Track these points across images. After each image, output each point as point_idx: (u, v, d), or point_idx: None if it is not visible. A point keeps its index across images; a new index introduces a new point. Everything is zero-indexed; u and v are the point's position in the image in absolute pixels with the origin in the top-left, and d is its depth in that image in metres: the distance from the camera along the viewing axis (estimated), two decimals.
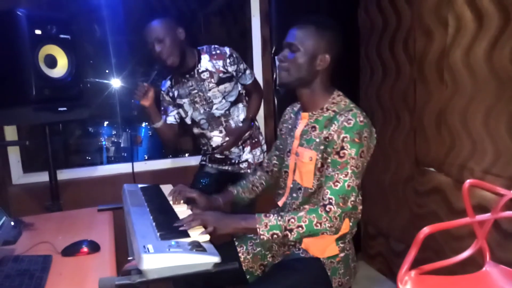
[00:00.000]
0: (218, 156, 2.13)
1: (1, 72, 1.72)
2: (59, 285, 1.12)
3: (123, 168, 2.45)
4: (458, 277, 1.55)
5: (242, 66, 2.01)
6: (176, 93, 2.03)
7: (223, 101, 2.01)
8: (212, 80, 1.96)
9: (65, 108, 1.83)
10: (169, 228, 1.22)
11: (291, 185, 1.44)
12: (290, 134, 1.50)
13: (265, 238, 1.23)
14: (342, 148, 1.26)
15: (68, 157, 3.06)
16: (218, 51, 1.96)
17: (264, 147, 2.20)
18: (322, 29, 1.33)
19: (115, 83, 3.16)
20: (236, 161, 2.13)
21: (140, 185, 1.70)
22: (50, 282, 1.13)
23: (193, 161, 2.58)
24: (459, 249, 1.65)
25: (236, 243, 1.51)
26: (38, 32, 1.70)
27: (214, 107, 2.01)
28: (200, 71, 1.95)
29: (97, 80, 3.14)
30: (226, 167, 2.15)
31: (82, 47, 2.71)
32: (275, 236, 1.23)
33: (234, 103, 2.05)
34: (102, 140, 3.24)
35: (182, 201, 1.51)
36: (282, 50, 1.38)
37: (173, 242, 1.10)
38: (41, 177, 2.20)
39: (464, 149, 1.85)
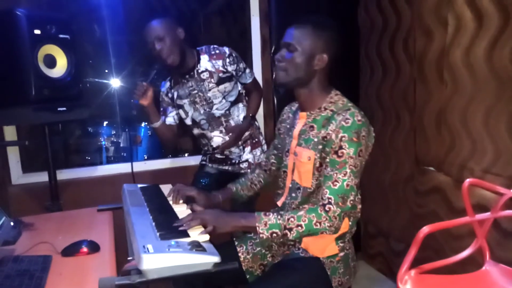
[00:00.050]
0: (218, 156, 2.13)
1: (0, 72, 1.72)
2: (59, 285, 1.12)
3: (123, 168, 2.45)
4: (458, 276, 1.55)
5: (241, 65, 2.01)
6: (175, 94, 2.03)
7: (223, 101, 2.01)
8: (212, 80, 1.96)
9: (64, 108, 1.82)
10: (169, 228, 1.22)
11: (290, 185, 1.44)
12: (288, 134, 1.50)
13: (265, 237, 1.23)
14: (341, 147, 1.26)
15: (67, 157, 3.06)
16: (217, 51, 1.96)
17: (265, 147, 2.20)
18: (319, 29, 1.33)
19: (115, 83, 3.15)
20: (237, 161, 2.12)
21: (139, 185, 1.71)
22: (50, 282, 1.13)
23: (193, 161, 2.58)
24: (459, 248, 1.64)
25: (236, 243, 1.51)
26: (37, 32, 1.70)
27: (214, 107, 2.01)
28: (199, 71, 1.95)
29: (96, 80, 3.13)
30: (227, 167, 2.15)
31: (82, 47, 2.70)
32: (274, 235, 1.23)
33: (234, 103, 2.05)
34: (102, 140, 3.24)
35: (181, 201, 1.51)
36: (280, 50, 1.38)
37: (172, 242, 1.10)
38: (41, 177, 2.20)
39: (464, 148, 1.85)
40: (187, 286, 1.41)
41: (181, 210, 1.42)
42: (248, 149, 2.12)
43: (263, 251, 1.49)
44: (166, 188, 1.63)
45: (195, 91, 1.98)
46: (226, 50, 1.96)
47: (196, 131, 2.11)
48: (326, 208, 1.23)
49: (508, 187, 1.58)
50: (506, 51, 1.62)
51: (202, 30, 3.19)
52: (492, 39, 1.67)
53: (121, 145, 3.19)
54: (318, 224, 1.23)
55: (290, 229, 1.23)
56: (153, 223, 1.26)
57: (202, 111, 2.02)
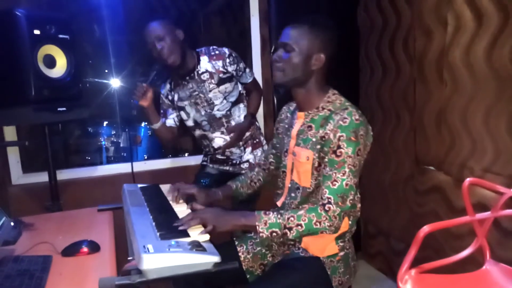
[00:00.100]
0: (219, 156, 2.13)
1: (0, 72, 1.72)
2: (59, 285, 1.12)
3: (123, 168, 2.45)
4: (458, 276, 1.55)
5: (241, 65, 2.01)
6: (176, 96, 2.03)
7: (224, 101, 2.01)
8: (213, 81, 1.96)
9: (64, 108, 1.83)
10: (169, 227, 1.22)
11: (289, 185, 1.44)
12: (286, 134, 1.50)
13: (264, 236, 1.23)
14: (339, 147, 1.26)
15: (67, 157, 3.06)
16: (217, 52, 1.96)
17: (265, 147, 2.20)
18: (316, 29, 1.33)
19: (115, 83, 3.15)
20: (238, 162, 2.12)
21: (139, 185, 1.71)
22: (50, 282, 1.13)
23: (193, 161, 2.58)
24: (459, 247, 1.65)
25: (236, 243, 1.51)
26: (37, 32, 1.70)
27: (215, 108, 2.01)
28: (200, 72, 1.95)
29: (96, 80, 3.14)
30: (227, 168, 2.15)
31: (81, 47, 2.71)
32: (274, 234, 1.23)
33: (235, 104, 2.05)
34: (102, 140, 3.24)
35: (181, 200, 1.51)
36: (277, 50, 1.38)
37: (173, 241, 1.10)
38: (41, 177, 2.20)
39: (464, 147, 1.85)
40: (187, 286, 1.41)
41: (181, 209, 1.42)
42: (249, 149, 2.12)
43: (263, 250, 1.49)
44: (166, 188, 1.63)
45: (196, 93, 1.98)
46: (226, 50, 1.96)
47: (197, 132, 2.10)
48: (326, 208, 1.23)
49: (508, 186, 1.58)
50: (506, 50, 1.62)
51: (202, 30, 3.19)
52: (491, 39, 1.67)
53: (121, 145, 3.19)
54: (318, 223, 1.23)
55: (290, 229, 1.23)
56: (153, 223, 1.26)
57: (203, 112, 2.02)
